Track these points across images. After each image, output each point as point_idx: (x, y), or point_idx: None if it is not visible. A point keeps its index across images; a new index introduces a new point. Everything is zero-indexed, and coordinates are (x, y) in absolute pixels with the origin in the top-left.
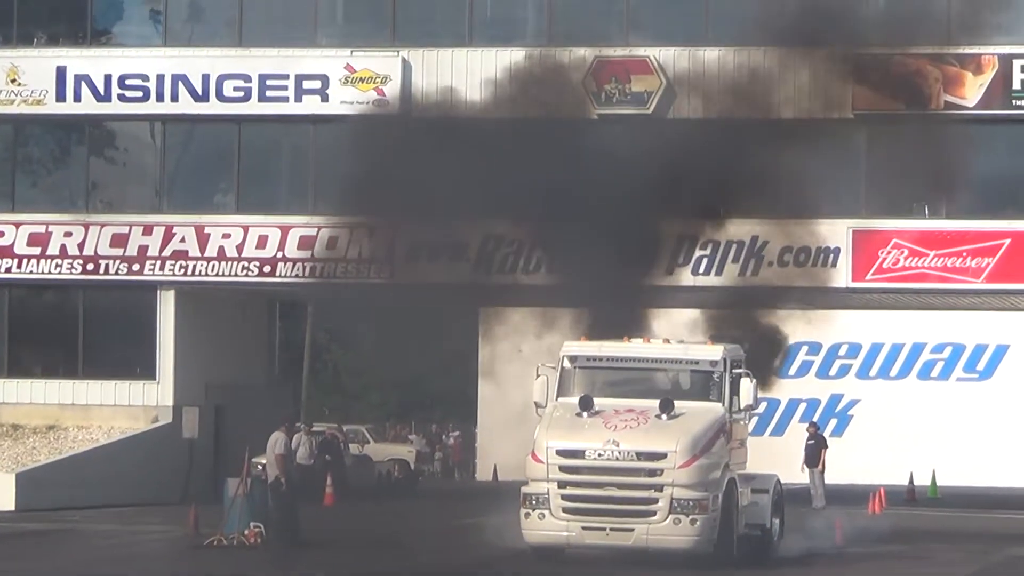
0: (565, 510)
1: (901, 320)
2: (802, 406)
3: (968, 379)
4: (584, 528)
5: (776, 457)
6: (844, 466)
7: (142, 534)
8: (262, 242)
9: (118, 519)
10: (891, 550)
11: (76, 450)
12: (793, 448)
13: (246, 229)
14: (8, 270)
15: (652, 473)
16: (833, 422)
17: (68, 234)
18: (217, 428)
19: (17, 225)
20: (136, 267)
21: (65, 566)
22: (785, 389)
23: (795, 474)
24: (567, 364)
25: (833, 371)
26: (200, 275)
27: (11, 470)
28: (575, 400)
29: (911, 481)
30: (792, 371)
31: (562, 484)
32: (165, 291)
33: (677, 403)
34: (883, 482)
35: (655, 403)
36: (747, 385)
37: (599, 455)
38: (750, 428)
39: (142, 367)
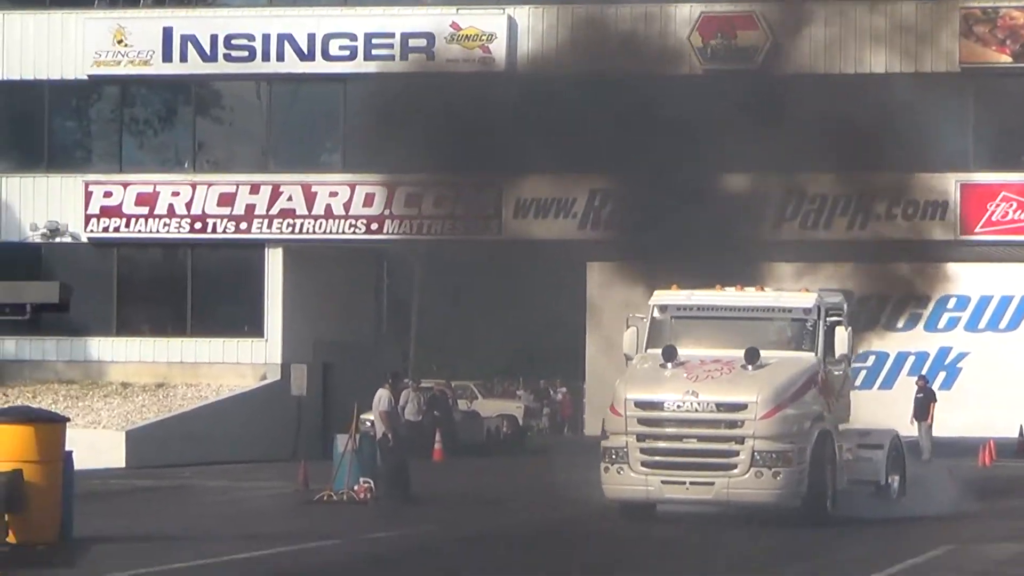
0: (644, 464)
1: (1010, 273)
2: (911, 359)
3: None
4: (664, 482)
5: (886, 410)
6: (953, 420)
7: (253, 490)
8: (369, 200)
9: (228, 476)
10: (1013, 506)
11: (185, 408)
12: (901, 402)
13: (352, 187)
14: (116, 230)
15: (732, 425)
16: (942, 375)
17: (176, 194)
18: (325, 385)
19: (125, 185)
20: (244, 226)
21: (178, 522)
22: (894, 342)
23: (905, 427)
24: (657, 314)
25: (942, 324)
26: (307, 233)
27: (121, 428)
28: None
29: (1021, 433)
30: (900, 324)
31: (641, 437)
32: (273, 249)
33: (767, 353)
34: (992, 435)
35: (742, 353)
36: (842, 334)
37: (678, 407)
38: (857, 381)
39: (250, 325)
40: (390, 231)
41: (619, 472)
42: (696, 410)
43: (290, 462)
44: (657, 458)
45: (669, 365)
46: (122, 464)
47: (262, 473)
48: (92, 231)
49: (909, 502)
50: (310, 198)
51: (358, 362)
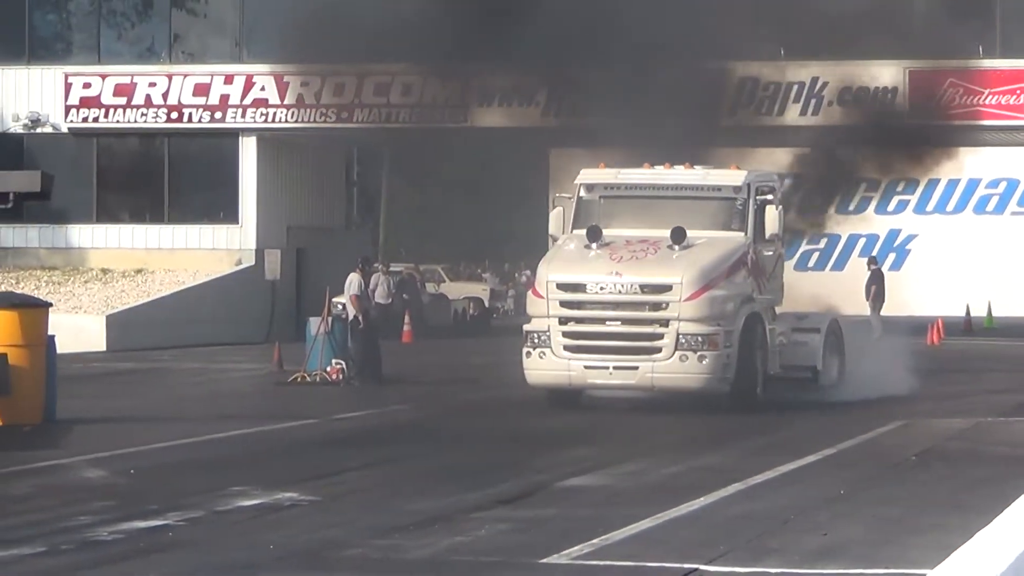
0: (567, 348)
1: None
2: (862, 241)
3: (1022, 213)
4: (587, 367)
5: (840, 292)
6: (902, 299)
7: (229, 372)
8: (339, 90)
9: (205, 358)
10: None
11: (163, 292)
12: (851, 283)
13: (323, 78)
14: (96, 120)
15: (656, 307)
16: (892, 257)
17: (152, 84)
18: (298, 270)
19: (103, 76)
20: (218, 115)
21: (157, 403)
22: (845, 225)
23: (857, 308)
24: (583, 193)
25: (891, 207)
26: (280, 122)
27: (101, 312)
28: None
29: (968, 313)
30: (851, 207)
31: (563, 320)
32: (247, 138)
33: (695, 233)
34: (940, 314)
35: (667, 233)
36: (772, 213)
37: (601, 288)
38: (810, 263)
39: (226, 212)
40: (360, 120)
41: (541, 357)
42: (619, 291)
43: (264, 345)
44: (580, 342)
45: (594, 246)
46: (103, 348)
47: (237, 355)
48: (72, 121)
49: (850, 386)
50: (282, 88)
51: (330, 247)
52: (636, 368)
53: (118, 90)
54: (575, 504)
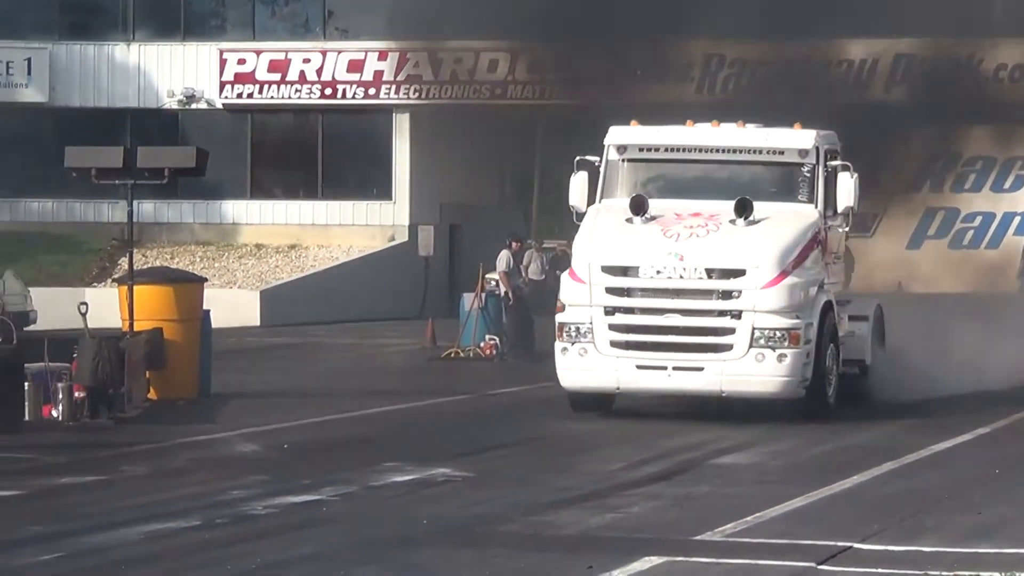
0: (614, 344)
1: None
2: (1016, 220)
3: None
4: (639, 367)
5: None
6: None
7: (382, 347)
8: (492, 66)
9: (358, 333)
10: None
11: (316, 268)
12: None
13: (477, 53)
14: (250, 96)
15: (727, 295)
16: None
17: (306, 60)
18: (451, 246)
19: (258, 52)
20: (372, 91)
21: (310, 378)
22: (1001, 203)
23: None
24: (613, 155)
25: None
26: (433, 98)
27: (255, 288)
28: (624, 202)
29: None
30: (1007, 185)
31: (609, 311)
32: (400, 114)
33: (758, 205)
34: None
35: (729, 204)
36: (847, 181)
37: (658, 272)
38: (964, 241)
39: (379, 188)
40: (513, 96)
41: (581, 354)
42: (681, 276)
43: (418, 320)
44: (631, 336)
45: (638, 220)
46: (256, 323)
47: (390, 331)
48: (227, 97)
49: (890, 383)
50: (435, 64)
51: (483, 224)
52: (702, 369)
53: (272, 66)
54: (727, 482)
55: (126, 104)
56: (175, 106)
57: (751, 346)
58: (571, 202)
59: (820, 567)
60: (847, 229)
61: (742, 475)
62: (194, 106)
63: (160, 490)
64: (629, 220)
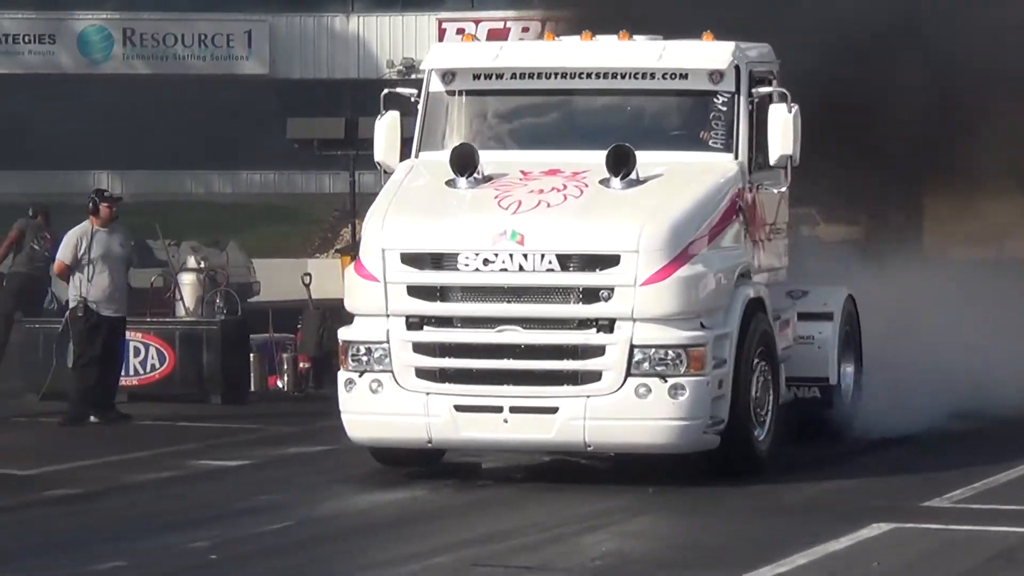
0: (422, 373)
1: None
2: None
3: None
4: (460, 409)
5: None
6: None
7: None
8: None
9: None
10: None
11: None
12: None
13: None
14: None
15: (592, 296)
16: None
17: (525, 29)
18: None
19: (476, 22)
20: None
21: None
22: None
23: None
24: (437, 85)
25: None
26: None
27: None
28: (446, 156)
29: None
30: None
31: (414, 322)
32: None
33: (647, 157)
34: None
35: (602, 156)
36: (782, 117)
37: (486, 262)
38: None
39: None
40: None
41: (373, 390)
42: (520, 269)
43: None
44: (447, 362)
45: (463, 183)
46: None
47: None
48: None
49: (874, 407)
50: None
51: None
52: (555, 411)
53: (491, 35)
54: (950, 450)
55: (346, 75)
56: (394, 76)
57: (629, 374)
58: (377, 157)
59: None
60: (784, 189)
61: (967, 442)
62: (413, 76)
63: None
64: (451, 183)
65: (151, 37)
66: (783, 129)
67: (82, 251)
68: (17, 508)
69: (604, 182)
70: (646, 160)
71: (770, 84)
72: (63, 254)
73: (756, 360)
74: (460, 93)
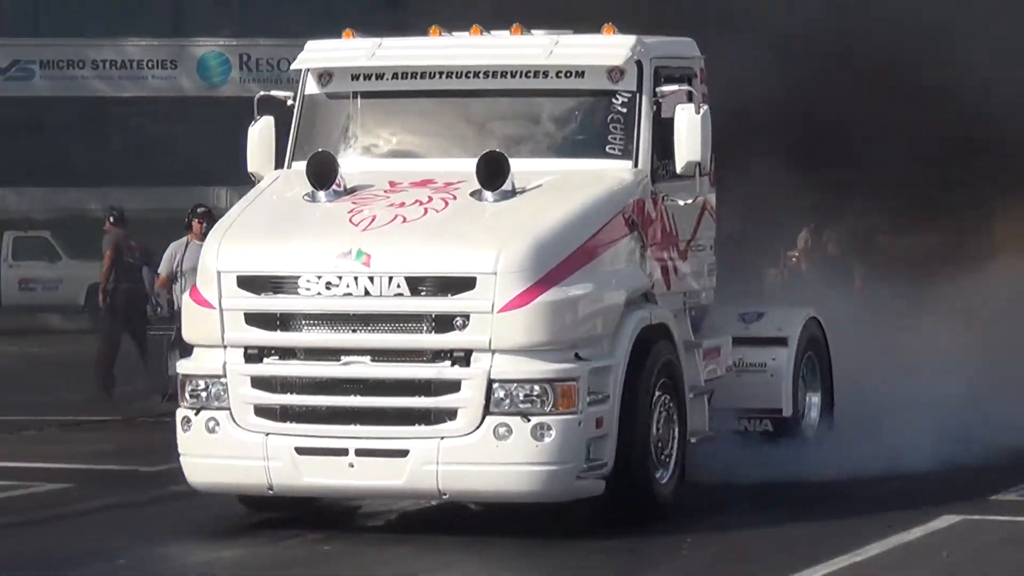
0: (261, 412)
1: None
2: None
3: None
4: (300, 452)
5: None
6: None
7: None
8: None
9: None
10: None
11: None
12: None
13: None
14: None
15: (446, 324)
16: None
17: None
18: None
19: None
20: None
21: None
22: None
23: None
24: (313, 87)
25: None
26: None
27: None
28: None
29: None
30: None
31: (253, 354)
32: None
33: (530, 165)
34: None
35: (472, 166)
36: (688, 119)
37: (328, 286)
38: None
39: None
40: None
41: (210, 430)
42: (366, 294)
43: None
44: (288, 398)
45: (322, 196)
46: None
47: None
48: None
49: (841, 444)
50: None
51: None
52: (405, 454)
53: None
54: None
55: None
56: None
57: (488, 412)
58: (250, 168)
59: None
60: (704, 196)
61: None
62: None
63: None
64: (309, 196)
65: (266, 62)
66: (689, 132)
67: (176, 263)
68: (146, 503)
69: (476, 194)
70: (533, 169)
71: (688, 83)
72: (162, 268)
73: (657, 394)
74: (338, 96)
